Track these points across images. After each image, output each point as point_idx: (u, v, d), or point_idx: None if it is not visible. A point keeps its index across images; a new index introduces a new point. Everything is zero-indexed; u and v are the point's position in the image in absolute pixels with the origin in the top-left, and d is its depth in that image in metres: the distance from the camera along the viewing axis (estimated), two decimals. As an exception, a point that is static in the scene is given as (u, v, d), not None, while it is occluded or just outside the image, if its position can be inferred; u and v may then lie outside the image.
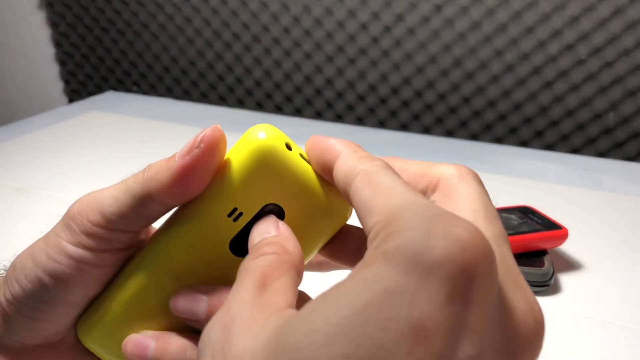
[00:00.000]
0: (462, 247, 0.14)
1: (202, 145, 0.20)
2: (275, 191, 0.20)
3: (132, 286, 0.21)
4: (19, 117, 0.81)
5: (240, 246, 0.21)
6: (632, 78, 0.70)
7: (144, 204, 0.21)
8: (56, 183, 0.56)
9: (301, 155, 0.21)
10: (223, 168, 0.20)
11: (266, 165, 0.20)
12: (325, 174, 0.20)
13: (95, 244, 0.21)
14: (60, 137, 0.71)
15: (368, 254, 0.15)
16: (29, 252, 0.22)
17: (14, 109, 1.22)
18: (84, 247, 0.21)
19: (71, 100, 1.13)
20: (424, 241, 0.14)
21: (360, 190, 0.17)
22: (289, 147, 0.20)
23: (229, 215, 0.20)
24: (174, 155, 0.20)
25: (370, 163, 0.18)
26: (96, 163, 0.62)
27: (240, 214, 0.20)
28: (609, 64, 0.71)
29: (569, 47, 0.72)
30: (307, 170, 0.20)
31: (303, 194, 0.20)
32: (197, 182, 0.20)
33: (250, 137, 0.20)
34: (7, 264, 0.23)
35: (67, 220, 0.22)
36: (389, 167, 0.18)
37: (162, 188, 0.20)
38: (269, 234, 0.20)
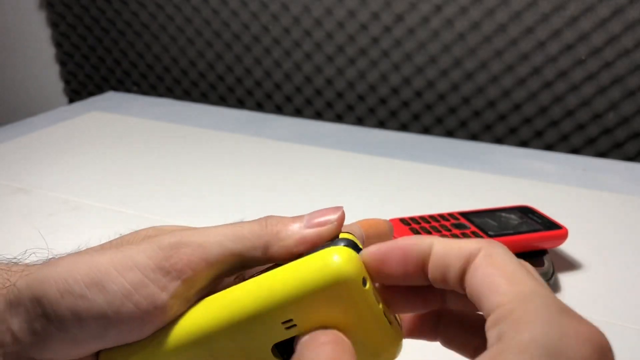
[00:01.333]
0: (592, 348, 0.15)
1: (334, 223, 0.21)
2: (337, 318, 0.20)
3: (169, 345, 0.21)
4: (19, 117, 0.81)
5: (282, 347, 0.21)
6: (632, 78, 0.70)
7: (254, 257, 0.20)
8: (57, 183, 0.57)
9: (373, 289, 0.20)
10: (293, 271, 0.20)
11: (338, 295, 0.19)
12: (413, 266, 0.20)
13: (184, 291, 0.20)
14: (61, 137, 0.71)
15: (501, 342, 0.16)
16: (94, 273, 0.20)
17: (14, 109, 1.22)
18: (172, 296, 0.19)
19: (71, 100, 1.13)
20: (558, 338, 0.15)
21: (484, 268, 0.18)
22: (364, 282, 0.20)
23: (283, 322, 0.20)
24: (302, 218, 0.21)
25: (488, 243, 0.19)
26: (97, 163, 0.62)
27: (294, 325, 0.20)
28: (608, 64, 0.71)
29: (569, 47, 0.72)
30: (376, 309, 0.20)
31: (364, 330, 0.20)
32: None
33: (331, 261, 0.20)
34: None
35: (162, 262, 0.20)
36: (506, 248, 0.19)
37: (284, 251, 0.20)
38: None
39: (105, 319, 0.20)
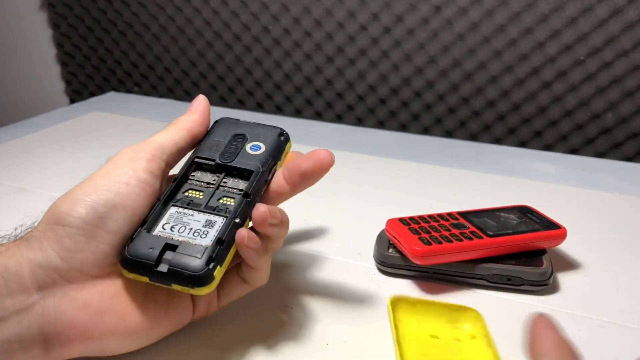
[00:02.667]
0: None
1: (199, 105, 0.35)
2: None
3: None
4: (20, 117, 0.82)
5: None
6: (631, 78, 0.71)
7: (184, 140, 0.32)
8: (58, 183, 0.57)
9: None
10: None
11: None
12: None
13: (154, 169, 0.30)
14: (62, 137, 0.71)
15: None
16: (85, 187, 0.28)
17: (15, 109, 1.22)
18: (147, 171, 0.29)
19: (72, 100, 1.13)
20: None
21: None
22: None
23: None
24: (189, 111, 0.34)
25: None
26: (98, 163, 0.62)
27: None
28: (607, 65, 0.71)
29: (568, 48, 0.72)
30: None
31: None
32: (207, 118, 0.34)
33: None
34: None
35: (146, 154, 0.30)
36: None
37: (193, 123, 0.34)
38: None
39: (112, 203, 0.28)
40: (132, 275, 0.27)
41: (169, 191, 0.31)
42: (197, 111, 0.34)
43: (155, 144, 0.31)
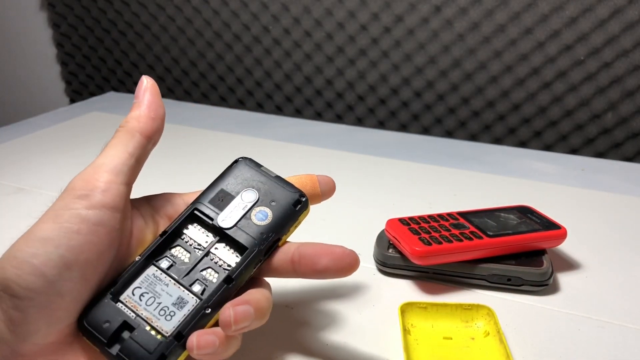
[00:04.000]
0: None
1: (146, 92, 0.29)
2: None
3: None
4: (20, 117, 0.82)
5: None
6: (631, 78, 0.71)
7: (141, 145, 0.28)
8: (57, 183, 0.57)
9: None
10: None
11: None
12: None
13: (110, 200, 0.25)
14: (62, 137, 0.71)
15: None
16: (32, 241, 0.23)
17: (15, 109, 1.22)
18: (102, 207, 0.25)
19: (72, 100, 1.13)
20: None
21: None
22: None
23: None
24: (135, 104, 0.29)
25: None
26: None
27: None
28: (607, 65, 0.71)
29: (568, 48, 0.72)
30: None
31: None
32: (159, 105, 0.29)
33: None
34: None
35: (98, 183, 0.25)
36: None
37: (144, 121, 0.28)
38: None
39: (65, 262, 0.23)
40: (86, 340, 0.25)
41: (154, 245, 0.28)
42: (144, 103, 0.28)
43: (107, 167, 0.26)
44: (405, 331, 0.33)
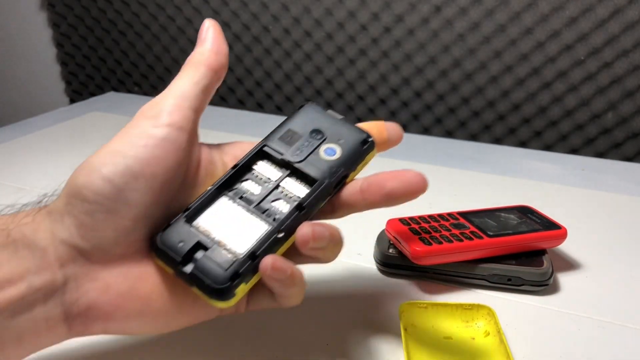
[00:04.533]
0: None
1: (209, 30, 0.30)
2: None
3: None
4: (20, 117, 0.82)
5: None
6: (631, 78, 0.71)
7: (205, 76, 0.28)
8: (57, 183, 0.57)
9: None
10: None
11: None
12: None
13: (177, 120, 0.26)
14: (62, 137, 0.71)
15: None
16: (102, 154, 0.25)
17: (15, 109, 1.22)
18: (168, 125, 0.26)
19: (72, 100, 1.13)
20: None
21: None
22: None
23: None
24: (199, 42, 0.30)
25: None
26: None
27: None
28: (607, 65, 0.71)
29: (568, 48, 0.72)
30: None
31: None
32: (223, 42, 0.30)
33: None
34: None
35: (167, 106, 0.27)
36: None
37: (208, 55, 0.29)
38: None
39: (131, 171, 0.25)
40: (159, 262, 0.26)
41: (225, 177, 0.28)
42: (208, 39, 0.29)
43: (174, 92, 0.27)
44: (406, 331, 0.33)
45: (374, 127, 0.31)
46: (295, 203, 0.27)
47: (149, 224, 0.26)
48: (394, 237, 0.40)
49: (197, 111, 0.28)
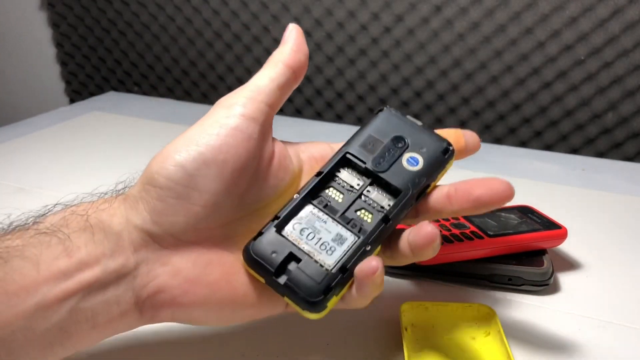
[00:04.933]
0: None
1: (292, 32, 0.30)
2: None
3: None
4: (20, 117, 0.81)
5: None
6: (631, 78, 0.71)
7: (282, 73, 0.29)
8: (57, 183, 0.57)
9: None
10: None
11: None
12: None
13: (249, 111, 0.27)
14: (62, 137, 0.71)
15: None
16: (176, 142, 0.27)
17: (15, 109, 1.22)
18: (240, 115, 0.27)
19: (72, 100, 1.13)
20: None
21: None
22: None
23: None
24: (281, 43, 0.30)
25: None
26: (97, 163, 0.62)
27: None
28: (608, 64, 0.71)
29: (568, 48, 0.72)
30: None
31: None
32: (303, 43, 0.30)
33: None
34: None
35: (241, 98, 0.28)
36: None
37: (287, 53, 0.30)
38: None
39: (203, 158, 0.26)
40: (250, 271, 0.27)
41: (311, 186, 0.29)
42: (289, 40, 0.30)
43: (250, 86, 0.28)
44: (406, 331, 0.33)
45: (452, 135, 0.31)
46: (381, 215, 0.28)
47: (219, 211, 0.26)
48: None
49: (272, 106, 0.29)
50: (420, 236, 0.26)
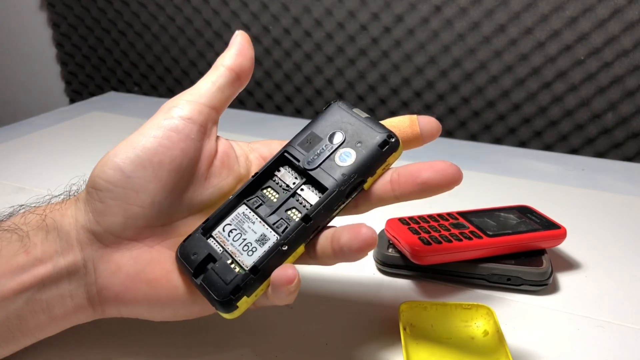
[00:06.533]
0: None
1: (237, 38, 0.31)
2: None
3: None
4: (20, 117, 0.82)
5: None
6: (631, 78, 0.71)
7: (224, 76, 0.30)
8: (57, 183, 0.57)
9: None
10: None
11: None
12: None
13: (187, 113, 0.28)
14: (62, 137, 0.71)
15: None
16: (117, 146, 0.28)
17: (15, 109, 1.22)
18: (178, 117, 0.28)
19: (72, 100, 1.13)
20: None
21: None
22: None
23: None
24: (228, 50, 0.31)
25: None
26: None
27: None
28: (607, 65, 0.71)
29: (568, 48, 0.72)
30: None
31: None
32: (248, 47, 0.31)
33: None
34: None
35: (180, 100, 0.29)
36: None
37: (230, 57, 0.30)
38: None
39: (140, 162, 0.27)
40: (179, 272, 0.28)
41: (245, 186, 0.29)
42: (234, 45, 0.31)
43: (192, 90, 0.30)
44: (405, 331, 0.33)
45: (405, 122, 0.30)
46: (304, 213, 0.27)
47: (159, 211, 0.27)
48: (393, 236, 0.40)
49: (214, 107, 0.30)
50: (358, 239, 0.25)
